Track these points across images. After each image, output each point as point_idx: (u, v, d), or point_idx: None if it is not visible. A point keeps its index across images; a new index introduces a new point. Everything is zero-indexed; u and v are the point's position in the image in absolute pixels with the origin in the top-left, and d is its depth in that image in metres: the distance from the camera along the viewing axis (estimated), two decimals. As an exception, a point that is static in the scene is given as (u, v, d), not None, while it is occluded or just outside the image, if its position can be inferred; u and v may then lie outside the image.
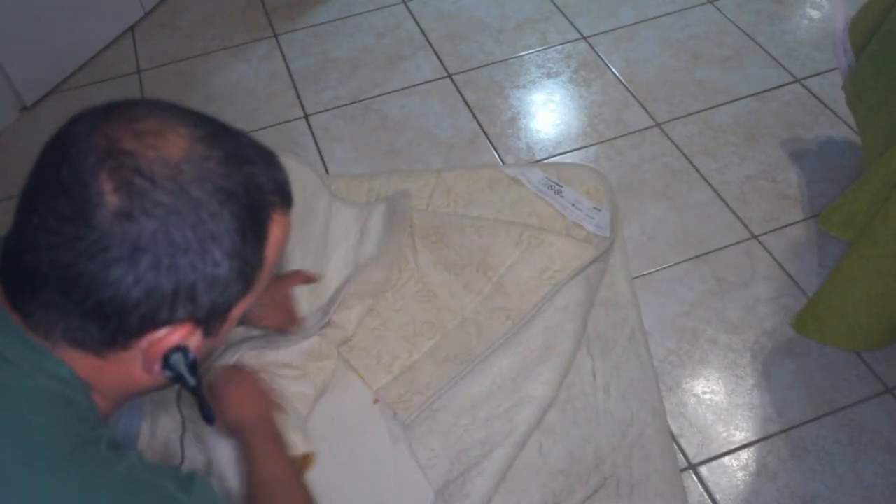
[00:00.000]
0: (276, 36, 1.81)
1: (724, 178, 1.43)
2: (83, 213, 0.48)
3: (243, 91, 1.67)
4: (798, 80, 1.61)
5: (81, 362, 0.53)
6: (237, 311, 0.57)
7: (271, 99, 1.65)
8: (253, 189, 0.53)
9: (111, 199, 0.48)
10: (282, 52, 1.77)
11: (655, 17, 1.80)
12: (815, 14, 1.78)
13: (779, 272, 1.27)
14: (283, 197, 0.57)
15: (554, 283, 1.21)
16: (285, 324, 1.08)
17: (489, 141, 1.53)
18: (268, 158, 0.56)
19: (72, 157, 0.49)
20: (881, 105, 1.11)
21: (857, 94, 1.20)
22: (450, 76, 1.68)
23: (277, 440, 0.89)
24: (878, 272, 0.97)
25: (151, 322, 0.51)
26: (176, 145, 0.50)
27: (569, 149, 1.50)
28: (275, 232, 0.55)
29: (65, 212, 0.48)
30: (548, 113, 1.59)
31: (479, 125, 1.56)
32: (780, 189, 1.40)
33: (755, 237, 1.33)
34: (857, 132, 1.44)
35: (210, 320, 0.54)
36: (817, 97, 1.57)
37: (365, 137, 1.55)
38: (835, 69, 1.57)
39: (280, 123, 1.59)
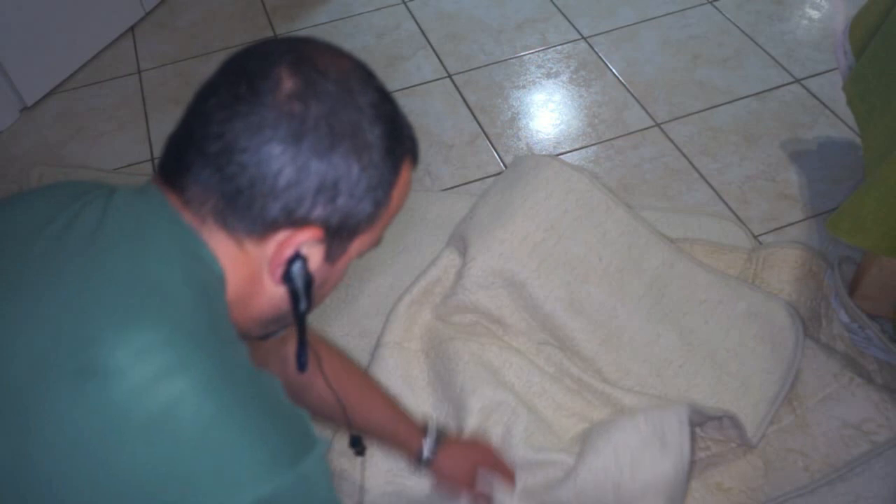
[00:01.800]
0: (276, 36, 1.81)
1: (724, 178, 1.43)
2: (261, 93, 0.51)
3: (243, 91, 1.67)
4: (798, 81, 1.61)
5: (223, 246, 0.54)
6: (356, 246, 0.58)
7: (271, 99, 1.65)
8: (400, 125, 0.57)
9: (287, 83, 0.52)
10: (282, 52, 1.77)
11: (655, 18, 1.80)
12: (814, 14, 1.78)
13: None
14: (415, 148, 0.60)
15: (875, 441, 0.98)
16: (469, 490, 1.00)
17: (489, 141, 1.53)
18: (403, 116, 0.59)
19: (258, 53, 0.54)
20: (883, 106, 1.11)
21: (857, 94, 1.20)
22: (450, 76, 1.68)
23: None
24: None
25: (291, 214, 0.53)
26: (348, 63, 0.55)
27: (569, 149, 1.50)
28: (404, 175, 0.58)
29: (243, 92, 0.52)
30: (548, 113, 1.59)
31: (479, 125, 1.56)
32: (780, 189, 1.40)
33: (755, 237, 1.33)
34: (858, 132, 1.44)
35: (336, 237, 0.56)
36: (817, 97, 1.57)
37: (365, 137, 1.55)
38: (835, 69, 1.57)
39: (280, 123, 1.59)
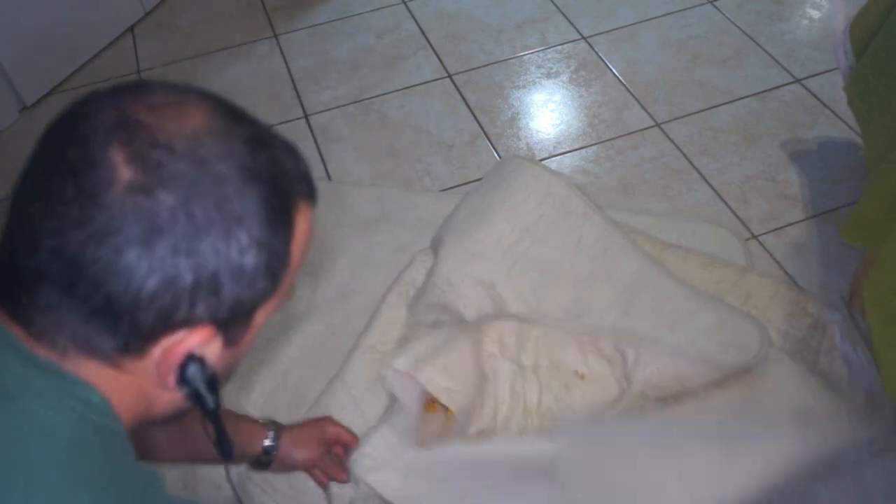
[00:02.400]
0: (276, 36, 1.81)
1: (724, 178, 1.43)
2: (92, 191, 0.42)
3: (243, 91, 1.67)
4: (798, 80, 1.61)
5: (96, 374, 0.47)
6: (260, 317, 0.51)
7: (271, 99, 1.65)
8: (279, 173, 0.48)
9: (124, 172, 0.42)
10: (282, 52, 1.77)
11: (655, 18, 1.80)
12: (815, 14, 1.78)
13: (779, 272, 1.27)
14: (309, 187, 0.51)
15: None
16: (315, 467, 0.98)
17: (489, 141, 1.53)
18: (289, 146, 0.51)
19: (78, 134, 0.44)
20: (883, 106, 1.11)
21: (858, 94, 1.20)
22: (450, 76, 1.68)
23: None
24: None
25: (168, 320, 0.45)
26: (196, 118, 0.45)
27: (569, 149, 1.50)
28: (300, 225, 0.50)
29: (70, 193, 0.42)
30: (548, 113, 1.59)
31: (479, 125, 1.56)
32: (780, 189, 1.40)
33: (755, 237, 1.33)
34: (858, 132, 1.44)
35: (232, 323, 0.48)
36: (817, 97, 1.57)
37: (365, 137, 1.55)
38: (835, 69, 1.57)
39: (280, 123, 1.59)
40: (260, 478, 1.01)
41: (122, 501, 0.46)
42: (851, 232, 1.10)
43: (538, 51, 1.73)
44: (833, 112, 1.53)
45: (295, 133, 1.56)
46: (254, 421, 0.92)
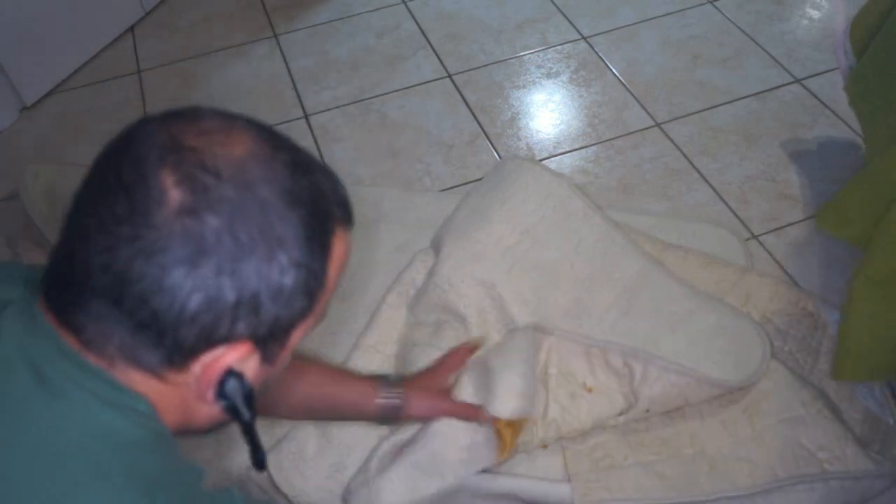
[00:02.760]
0: (276, 36, 1.81)
1: (724, 178, 1.43)
2: (143, 211, 0.44)
3: (243, 91, 1.67)
4: (798, 80, 1.61)
5: (143, 385, 0.49)
6: (296, 336, 0.52)
7: (271, 99, 1.65)
8: (319, 197, 0.50)
9: (173, 195, 0.44)
10: (282, 52, 1.77)
11: (655, 17, 1.80)
12: (815, 14, 1.78)
13: (779, 272, 1.27)
14: (346, 212, 0.53)
15: (826, 469, 0.98)
16: (452, 412, 0.99)
17: (489, 141, 1.53)
18: (327, 171, 0.53)
19: (132, 155, 0.46)
20: (884, 106, 1.11)
21: (859, 94, 1.20)
22: (450, 76, 1.68)
23: None
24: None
25: (210, 337, 0.47)
26: (242, 144, 0.48)
27: (569, 149, 1.50)
28: (338, 248, 0.52)
29: (123, 212, 0.45)
30: (548, 113, 1.59)
31: (479, 125, 1.56)
32: (780, 189, 1.40)
33: (755, 237, 1.33)
34: (859, 132, 1.44)
35: (270, 341, 0.50)
36: (817, 97, 1.57)
37: (365, 137, 1.55)
38: (835, 69, 1.57)
39: (280, 123, 1.59)
40: (260, 478, 1.01)
41: (175, 499, 0.48)
42: (825, 219, 1.10)
43: (538, 51, 1.73)
44: (833, 112, 1.53)
45: (295, 133, 1.56)
46: (363, 380, 0.95)
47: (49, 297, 0.49)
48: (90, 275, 0.45)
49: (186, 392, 0.50)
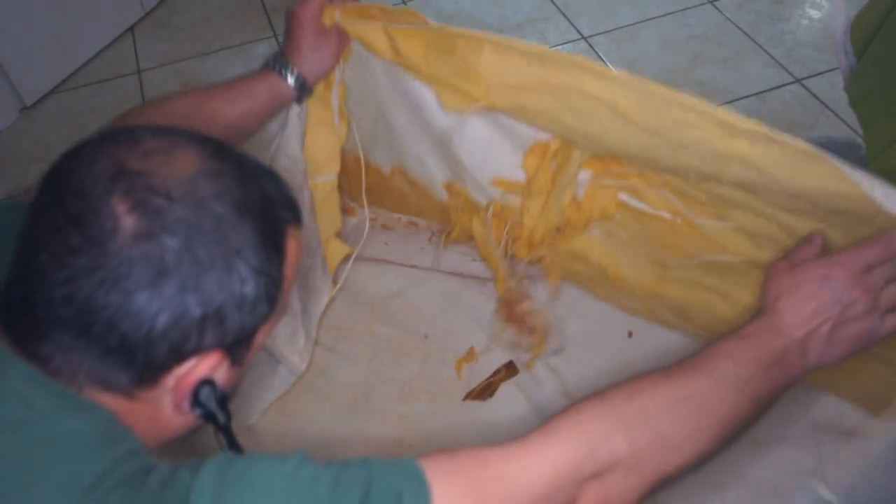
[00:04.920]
0: (276, 36, 1.81)
1: (725, 178, 1.43)
2: (98, 241, 0.44)
3: (243, 91, 1.67)
4: (798, 80, 1.61)
5: (114, 406, 0.49)
6: (261, 337, 0.54)
7: (271, 99, 1.65)
8: (268, 203, 0.51)
9: (127, 222, 0.45)
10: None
11: (655, 17, 1.80)
12: (815, 14, 1.78)
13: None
14: (295, 212, 0.55)
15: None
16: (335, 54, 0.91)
17: (489, 141, 1.53)
18: (273, 175, 0.54)
19: (76, 186, 0.46)
20: (885, 106, 1.11)
21: (859, 95, 1.20)
22: (450, 76, 1.68)
23: (771, 371, 0.62)
24: None
25: (179, 352, 0.48)
26: (187, 162, 0.48)
27: (569, 149, 1.50)
28: (291, 247, 0.53)
29: (77, 243, 0.45)
30: (548, 113, 1.59)
31: (480, 125, 1.56)
32: (780, 189, 1.40)
33: (755, 237, 1.33)
34: (859, 132, 1.44)
35: (237, 347, 0.51)
36: (817, 97, 1.57)
37: (365, 137, 1.55)
38: (835, 69, 1.57)
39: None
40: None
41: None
42: None
43: (538, 51, 1.73)
44: (833, 112, 1.53)
45: (295, 133, 1.56)
46: (256, 76, 0.86)
47: (8, 331, 0.48)
48: (52, 308, 0.45)
49: (156, 406, 0.51)
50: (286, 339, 1.08)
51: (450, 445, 1.00)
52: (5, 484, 0.44)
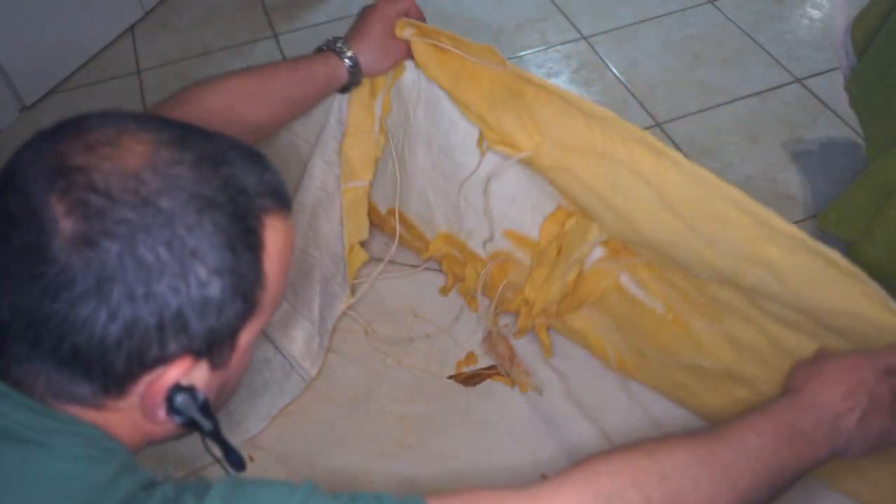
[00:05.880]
0: (276, 36, 1.81)
1: (725, 178, 1.41)
2: (37, 245, 0.41)
3: (243, 91, 1.67)
4: (798, 80, 1.61)
5: (83, 416, 0.46)
6: (246, 337, 0.50)
7: (271, 99, 1.65)
8: (236, 193, 0.46)
9: (66, 225, 0.41)
10: (282, 52, 1.77)
11: (655, 17, 1.80)
12: (815, 14, 1.78)
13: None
14: (278, 199, 0.49)
15: None
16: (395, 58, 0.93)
17: (489, 141, 1.53)
18: (252, 158, 0.49)
19: (18, 185, 0.42)
20: (885, 106, 1.11)
21: (860, 95, 1.20)
22: (450, 76, 1.68)
23: (798, 449, 0.62)
24: (877, 275, 0.98)
25: (142, 361, 0.44)
26: (134, 153, 0.43)
27: (569, 149, 1.50)
28: (273, 240, 0.48)
29: (17, 248, 0.42)
30: (548, 113, 1.59)
31: (480, 125, 1.56)
32: (780, 189, 1.40)
33: (755, 237, 1.33)
34: (859, 132, 1.44)
35: (213, 350, 0.47)
36: (817, 97, 1.57)
37: (365, 137, 1.55)
38: (835, 69, 1.57)
39: (280, 123, 1.59)
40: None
41: None
42: (827, 219, 1.10)
43: (538, 51, 1.73)
44: (833, 112, 1.53)
45: (295, 133, 1.56)
46: (314, 58, 0.87)
47: None
48: (1, 318, 0.43)
49: (134, 415, 0.48)
50: (303, 344, 1.08)
51: (449, 445, 1.01)
52: None
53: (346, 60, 0.88)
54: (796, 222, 1.34)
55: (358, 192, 1.02)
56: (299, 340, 1.08)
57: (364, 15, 0.90)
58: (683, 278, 0.88)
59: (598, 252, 0.95)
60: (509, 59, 1.70)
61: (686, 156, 1.46)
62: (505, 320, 1.12)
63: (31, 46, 1.59)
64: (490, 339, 1.09)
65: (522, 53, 1.73)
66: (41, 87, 1.66)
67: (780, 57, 1.67)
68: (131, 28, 1.84)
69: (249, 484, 0.48)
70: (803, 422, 0.63)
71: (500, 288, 1.07)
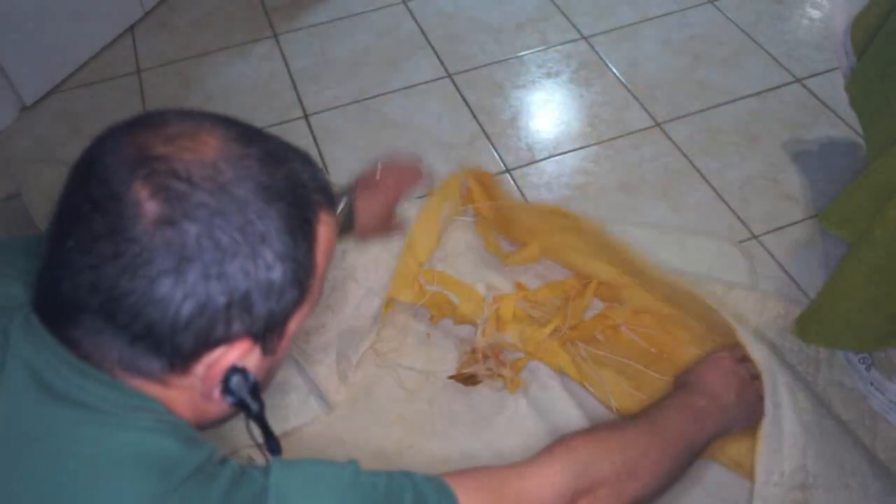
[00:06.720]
0: (276, 36, 1.81)
1: (724, 178, 1.43)
2: (120, 227, 0.44)
3: (243, 91, 1.67)
4: (798, 80, 1.61)
5: (148, 390, 0.49)
6: (294, 324, 0.53)
7: (271, 99, 1.65)
8: (297, 186, 0.50)
9: (149, 207, 0.44)
10: (282, 52, 1.77)
11: (655, 17, 1.80)
12: (815, 14, 1.78)
13: (779, 272, 1.27)
14: (327, 196, 0.53)
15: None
16: (387, 228, 1.05)
17: (489, 141, 1.53)
18: (304, 157, 0.53)
19: (100, 172, 0.46)
20: (885, 106, 1.10)
21: (860, 95, 1.20)
22: (450, 76, 1.68)
23: (703, 421, 0.84)
24: (879, 275, 0.97)
25: (207, 340, 0.47)
26: (210, 146, 0.48)
27: (569, 149, 1.50)
28: (323, 233, 0.52)
29: (100, 230, 0.45)
30: (548, 113, 1.59)
31: (479, 125, 1.56)
32: (780, 189, 1.40)
33: (755, 237, 1.33)
34: (859, 132, 1.44)
35: (267, 334, 0.51)
36: (817, 97, 1.57)
37: (365, 138, 1.55)
38: (835, 69, 1.57)
39: (280, 123, 1.59)
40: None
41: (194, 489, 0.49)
42: (829, 218, 1.11)
43: (538, 50, 1.73)
44: (833, 112, 1.53)
45: (295, 133, 1.56)
46: None
47: (41, 314, 0.49)
48: (79, 294, 0.45)
49: (192, 393, 0.51)
50: (327, 371, 1.09)
51: (448, 446, 1.02)
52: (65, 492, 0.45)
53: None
54: (797, 222, 1.35)
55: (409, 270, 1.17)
56: (325, 365, 1.08)
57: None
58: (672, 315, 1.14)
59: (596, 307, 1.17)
60: (509, 58, 1.72)
61: (686, 156, 1.47)
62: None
63: (31, 46, 1.59)
64: (475, 354, 1.10)
65: (522, 53, 1.73)
66: (41, 87, 1.66)
67: (780, 57, 1.67)
68: (131, 28, 1.84)
69: (301, 462, 0.52)
70: (700, 400, 0.86)
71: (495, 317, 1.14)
